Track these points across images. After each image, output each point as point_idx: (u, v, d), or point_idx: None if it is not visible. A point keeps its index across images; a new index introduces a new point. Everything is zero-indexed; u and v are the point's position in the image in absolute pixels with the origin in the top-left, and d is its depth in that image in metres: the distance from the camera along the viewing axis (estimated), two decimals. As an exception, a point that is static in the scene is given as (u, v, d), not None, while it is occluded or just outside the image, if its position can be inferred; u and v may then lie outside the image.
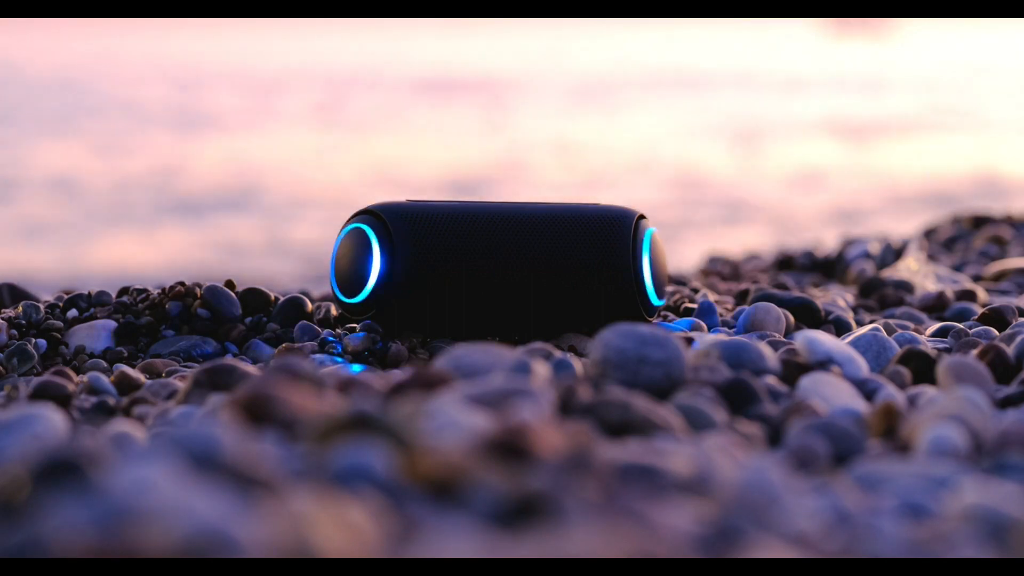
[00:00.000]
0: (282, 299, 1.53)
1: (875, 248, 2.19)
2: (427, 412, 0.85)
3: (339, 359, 1.40)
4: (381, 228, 1.44)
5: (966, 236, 2.62)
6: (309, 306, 1.53)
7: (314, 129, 10.22)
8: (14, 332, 1.45)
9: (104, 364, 1.42)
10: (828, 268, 2.22)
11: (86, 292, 1.54)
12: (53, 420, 0.95)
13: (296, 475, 0.76)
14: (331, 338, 1.44)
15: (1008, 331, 1.39)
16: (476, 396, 0.93)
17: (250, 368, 1.18)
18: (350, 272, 1.45)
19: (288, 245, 5.96)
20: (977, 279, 2.09)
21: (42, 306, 1.50)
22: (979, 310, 1.69)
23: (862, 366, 1.17)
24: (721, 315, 1.61)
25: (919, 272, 1.97)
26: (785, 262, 2.29)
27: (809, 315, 1.59)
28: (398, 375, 1.02)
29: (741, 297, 1.76)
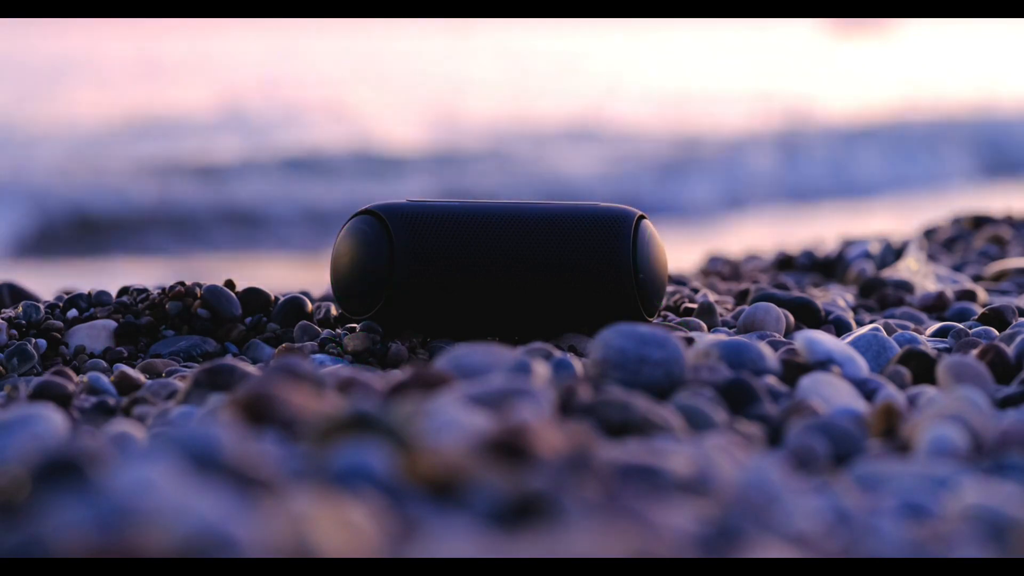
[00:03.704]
0: (282, 299, 1.53)
1: (875, 248, 2.19)
2: (427, 412, 0.85)
3: (339, 360, 1.40)
4: (381, 228, 1.43)
5: (966, 236, 2.62)
6: (309, 306, 1.53)
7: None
8: (14, 332, 1.45)
9: (104, 364, 1.42)
10: (828, 268, 2.22)
11: (86, 292, 1.54)
12: (53, 420, 0.95)
13: (296, 475, 0.76)
14: (332, 338, 1.44)
15: (1008, 331, 1.39)
16: (476, 396, 0.93)
17: (250, 368, 1.18)
18: (350, 272, 1.45)
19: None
20: (977, 279, 2.09)
21: (42, 306, 1.50)
22: (979, 310, 1.69)
23: (862, 366, 1.17)
24: (721, 315, 1.61)
25: (919, 272, 1.97)
26: (785, 262, 2.29)
27: (809, 315, 1.59)
28: (398, 375, 1.02)
29: (741, 297, 1.76)
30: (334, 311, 1.53)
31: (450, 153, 8.76)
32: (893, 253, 2.18)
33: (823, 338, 1.20)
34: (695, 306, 1.61)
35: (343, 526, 0.67)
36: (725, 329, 1.53)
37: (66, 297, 1.53)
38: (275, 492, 0.72)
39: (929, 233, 2.71)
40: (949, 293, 1.81)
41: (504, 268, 1.45)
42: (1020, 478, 0.90)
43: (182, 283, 1.52)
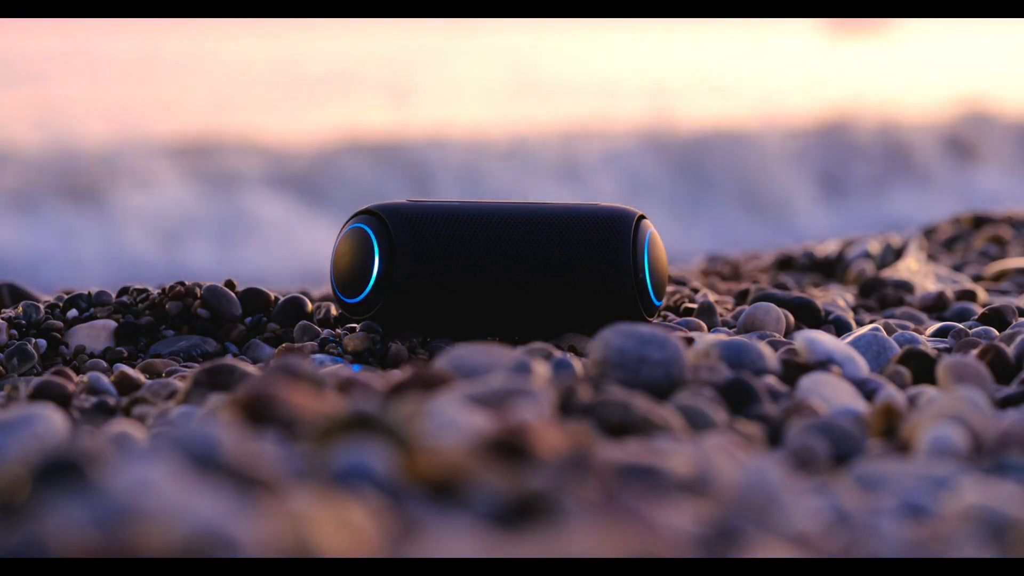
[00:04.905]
0: (282, 299, 1.53)
1: (875, 248, 2.19)
2: (427, 412, 0.85)
3: (339, 359, 1.40)
4: (381, 228, 1.43)
5: (966, 236, 2.62)
6: (309, 306, 1.53)
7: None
8: (14, 332, 1.45)
9: (104, 364, 1.42)
10: (828, 268, 2.22)
11: (86, 292, 1.54)
12: (53, 420, 0.95)
13: (296, 475, 0.76)
14: (331, 338, 1.44)
15: (1008, 331, 1.39)
16: (476, 396, 0.93)
17: (250, 368, 1.18)
18: (350, 272, 1.45)
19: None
20: (977, 279, 2.09)
21: (42, 306, 1.50)
22: (979, 310, 1.69)
23: (862, 366, 1.17)
24: (721, 315, 1.61)
25: (919, 272, 1.97)
26: (785, 262, 2.29)
27: (809, 315, 1.59)
28: (398, 375, 1.02)
29: (741, 297, 1.76)
30: (334, 311, 1.53)
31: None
32: (893, 253, 2.18)
33: (823, 338, 1.20)
34: (695, 306, 1.61)
35: (343, 526, 0.67)
36: (725, 329, 1.53)
37: (66, 297, 1.53)
38: (275, 492, 0.72)
39: (929, 233, 2.71)
40: (949, 293, 1.81)
41: (504, 268, 1.45)
42: (1020, 478, 0.90)
43: (182, 283, 1.52)
